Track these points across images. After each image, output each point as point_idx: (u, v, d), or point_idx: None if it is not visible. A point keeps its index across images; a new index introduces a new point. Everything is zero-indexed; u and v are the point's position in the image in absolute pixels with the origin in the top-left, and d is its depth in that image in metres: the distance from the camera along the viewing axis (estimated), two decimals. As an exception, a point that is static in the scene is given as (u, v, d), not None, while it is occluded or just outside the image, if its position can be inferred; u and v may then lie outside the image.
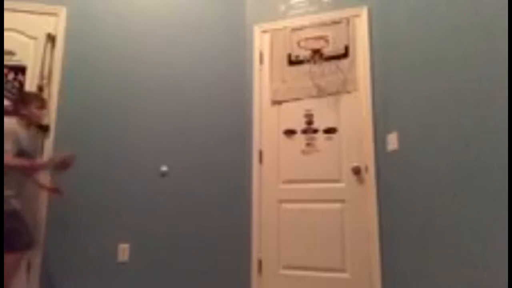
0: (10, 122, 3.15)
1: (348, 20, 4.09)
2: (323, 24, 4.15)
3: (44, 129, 3.87)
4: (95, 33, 4.22)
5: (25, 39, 4.03)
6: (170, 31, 4.35)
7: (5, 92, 3.84)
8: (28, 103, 3.30)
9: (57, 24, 4.14)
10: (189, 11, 4.44)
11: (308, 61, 4.13)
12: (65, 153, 3.34)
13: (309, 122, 4.06)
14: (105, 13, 4.29)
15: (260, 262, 3.92)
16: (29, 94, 3.49)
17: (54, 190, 3.62)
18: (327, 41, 4.08)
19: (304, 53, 4.17)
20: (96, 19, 4.26)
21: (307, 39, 4.16)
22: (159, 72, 4.23)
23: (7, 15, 4.02)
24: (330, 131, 3.99)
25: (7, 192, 3.03)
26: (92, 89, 4.11)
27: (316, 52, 4.10)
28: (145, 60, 4.23)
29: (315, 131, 4.04)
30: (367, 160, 3.77)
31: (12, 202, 3.05)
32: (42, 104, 3.41)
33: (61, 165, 3.32)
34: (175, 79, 4.24)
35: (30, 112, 3.30)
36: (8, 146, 3.01)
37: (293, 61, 4.20)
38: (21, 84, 3.93)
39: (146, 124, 4.11)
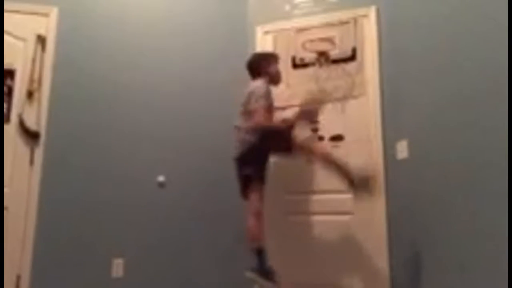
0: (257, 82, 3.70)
1: (355, 21, 4.23)
2: (330, 25, 4.32)
3: (33, 136, 4.01)
4: (88, 35, 4.38)
5: (13, 41, 4.18)
6: (166, 33, 4.51)
7: None
8: (271, 62, 3.83)
9: (48, 25, 4.28)
10: (186, 11, 4.61)
11: (313, 64, 4.29)
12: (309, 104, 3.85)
13: (315, 129, 4.17)
14: (99, 13, 4.45)
15: (262, 278, 3.98)
16: (271, 54, 3.98)
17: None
18: (333, 42, 4.25)
19: (309, 56, 4.34)
20: (89, 20, 4.42)
21: (312, 40, 4.33)
22: (154, 77, 4.37)
23: (-6, 15, 4.11)
24: (336, 138, 4.10)
25: None
26: (85, 94, 4.25)
27: (322, 54, 4.27)
28: (140, 65, 4.37)
29: (321, 138, 4.15)
30: (376, 169, 3.85)
31: None
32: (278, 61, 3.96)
33: (309, 116, 3.83)
34: (171, 84, 4.41)
35: (272, 71, 3.86)
36: (261, 101, 3.53)
37: (297, 64, 4.35)
38: (10, 89, 4.08)
39: (142, 131, 4.25)
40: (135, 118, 4.29)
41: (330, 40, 4.28)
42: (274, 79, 3.87)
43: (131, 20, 4.49)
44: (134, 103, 4.32)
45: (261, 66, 3.86)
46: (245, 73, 3.97)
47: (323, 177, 3.91)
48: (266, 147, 3.54)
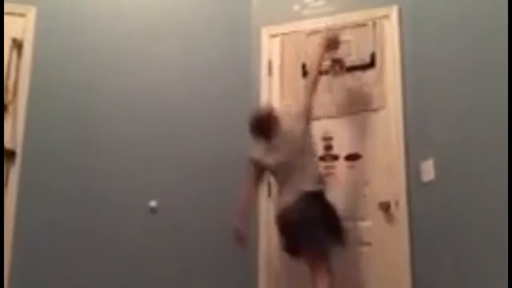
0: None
1: (374, 22, 4.05)
2: (345, 27, 4.12)
3: (8, 154, 3.86)
4: (71, 38, 4.22)
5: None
6: (160, 36, 4.37)
7: None
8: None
9: (25, 27, 4.11)
10: (183, 11, 4.48)
11: (326, 72, 4.07)
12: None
13: (328, 147, 4.03)
14: (84, 14, 4.30)
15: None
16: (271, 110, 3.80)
17: None
18: (349, 47, 4.07)
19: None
20: (72, 21, 4.26)
21: None
22: (146, 86, 4.23)
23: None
24: (352, 157, 3.96)
25: None
26: (67, 106, 4.11)
27: (336, 61, 4.07)
28: (130, 72, 4.24)
29: (335, 157, 4.00)
30: (398, 193, 3.73)
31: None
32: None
33: (332, 44, 3.85)
34: (166, 95, 4.26)
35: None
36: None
37: (308, 72, 4.05)
38: None
39: (131, 149, 4.13)
40: (123, 133, 4.14)
41: (345, 44, 4.05)
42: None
43: (120, 21, 4.34)
44: (122, 116, 4.17)
45: (272, 119, 3.69)
46: (247, 82, 4.04)
47: (337, 202, 3.68)
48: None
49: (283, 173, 3.52)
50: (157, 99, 4.22)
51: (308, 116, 3.61)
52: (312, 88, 3.69)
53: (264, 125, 3.63)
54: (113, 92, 4.19)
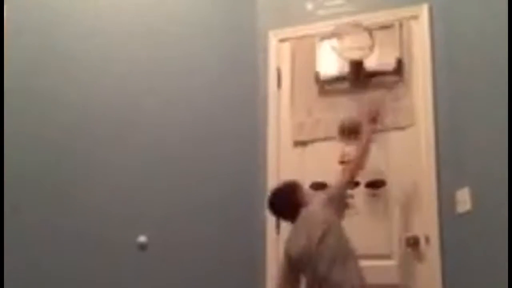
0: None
1: (401, 24, 3.84)
2: (367, 30, 3.86)
3: None
4: (40, 41, 3.86)
5: None
6: (149, 43, 4.08)
7: None
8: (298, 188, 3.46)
9: None
10: (176, 11, 4.22)
11: (344, 81, 3.90)
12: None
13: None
14: (57, 11, 3.94)
15: None
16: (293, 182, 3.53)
17: None
18: (371, 53, 3.81)
19: (339, 72, 3.92)
20: (41, 20, 3.91)
21: (343, 50, 3.89)
22: (133, 102, 3.96)
23: None
24: (375, 184, 3.74)
25: None
26: (36, 126, 3.75)
27: (356, 70, 3.84)
28: (114, 85, 3.96)
29: (355, 184, 3.72)
30: (428, 226, 3.54)
31: None
32: None
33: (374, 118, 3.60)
34: (156, 112, 3.99)
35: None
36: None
37: (323, 83, 3.97)
38: None
39: (117, 178, 3.86)
40: (107, 159, 3.82)
41: (367, 50, 3.82)
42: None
43: (102, 22, 4.01)
44: (104, 139, 3.84)
45: (294, 197, 3.40)
46: (251, 95, 3.90)
47: (357, 237, 3.43)
48: None
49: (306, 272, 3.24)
50: (146, 117, 3.98)
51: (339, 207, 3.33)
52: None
53: (285, 204, 3.42)
54: (91, 108, 3.89)
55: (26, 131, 3.75)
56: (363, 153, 3.43)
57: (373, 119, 3.58)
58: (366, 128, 3.53)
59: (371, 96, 3.75)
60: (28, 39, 3.89)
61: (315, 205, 3.27)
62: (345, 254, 3.12)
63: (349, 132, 3.71)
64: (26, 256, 3.64)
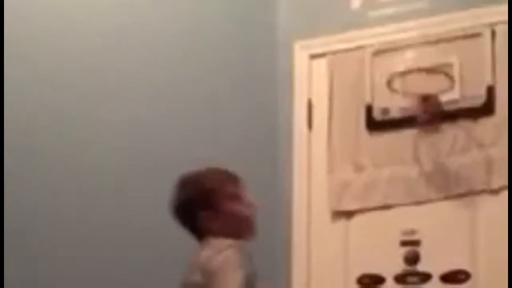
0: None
1: (493, 32, 2.85)
2: (441, 41, 2.96)
3: None
4: (36, 47, 3.37)
5: None
6: (138, 51, 3.43)
7: None
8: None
9: None
10: (179, 18, 3.51)
11: (410, 120, 2.97)
12: None
13: (412, 259, 2.97)
14: (51, 14, 3.42)
15: None
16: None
17: None
18: (449, 77, 2.85)
19: (402, 104, 3.01)
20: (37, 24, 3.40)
21: (406, 73, 2.95)
22: (125, 126, 3.39)
23: None
24: (455, 278, 2.91)
25: None
26: (29, 144, 3.31)
27: (427, 102, 2.91)
28: (101, 106, 3.40)
29: (425, 277, 2.97)
30: None
31: None
32: None
33: None
34: (150, 140, 3.37)
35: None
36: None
37: (377, 122, 3.04)
38: None
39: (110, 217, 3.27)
40: (97, 198, 3.20)
41: (442, 72, 2.85)
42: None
43: (90, 26, 3.42)
44: (97, 170, 3.28)
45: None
46: (269, 141, 3.19)
47: None
48: None
49: None
50: (137, 144, 3.35)
51: None
52: None
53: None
54: (74, 131, 3.37)
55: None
56: None
57: None
58: None
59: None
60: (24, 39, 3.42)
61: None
62: None
63: None
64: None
